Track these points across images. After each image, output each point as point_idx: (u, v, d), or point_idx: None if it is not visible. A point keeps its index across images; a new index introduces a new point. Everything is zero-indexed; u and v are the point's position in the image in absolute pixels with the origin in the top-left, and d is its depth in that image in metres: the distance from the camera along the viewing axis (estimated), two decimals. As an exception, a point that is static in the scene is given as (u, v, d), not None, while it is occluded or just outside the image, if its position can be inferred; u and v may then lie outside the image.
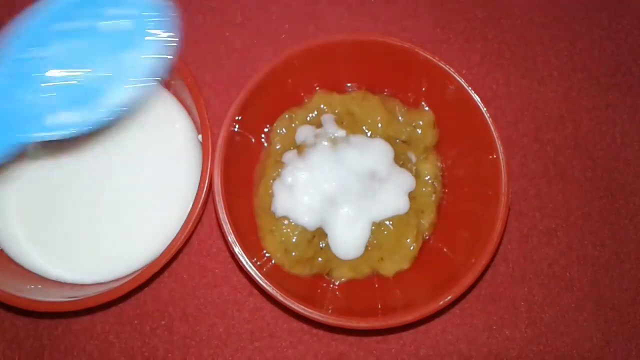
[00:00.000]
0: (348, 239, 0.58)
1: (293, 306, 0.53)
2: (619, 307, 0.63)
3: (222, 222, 0.54)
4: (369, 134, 0.61)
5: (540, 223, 0.65)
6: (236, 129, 0.57)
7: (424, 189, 0.61)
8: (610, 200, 0.66)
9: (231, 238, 0.53)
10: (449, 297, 0.54)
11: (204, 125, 0.57)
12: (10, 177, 0.60)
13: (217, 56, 0.68)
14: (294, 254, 0.58)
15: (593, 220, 0.65)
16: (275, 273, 0.57)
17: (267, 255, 0.58)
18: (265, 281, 0.53)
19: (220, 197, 0.54)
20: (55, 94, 0.49)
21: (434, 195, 0.61)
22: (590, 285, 0.64)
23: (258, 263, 0.55)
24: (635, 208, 0.66)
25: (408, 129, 0.62)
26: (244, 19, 0.69)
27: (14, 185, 0.60)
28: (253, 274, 0.53)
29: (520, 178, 0.66)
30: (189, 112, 0.63)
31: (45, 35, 0.49)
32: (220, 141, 0.56)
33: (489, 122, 0.57)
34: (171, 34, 0.51)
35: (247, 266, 0.53)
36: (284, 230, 0.58)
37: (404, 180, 0.59)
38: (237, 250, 0.53)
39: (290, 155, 0.59)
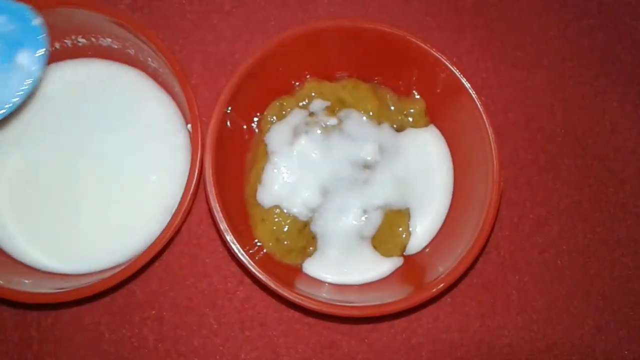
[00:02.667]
0: (340, 228, 0.58)
1: (285, 294, 0.52)
2: (610, 294, 0.64)
3: (214, 211, 0.53)
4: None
5: (530, 211, 0.65)
6: (227, 117, 0.57)
7: (416, 178, 0.61)
8: (600, 188, 0.66)
9: (223, 226, 0.53)
10: (441, 285, 0.54)
11: (193, 114, 0.56)
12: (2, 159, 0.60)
13: (205, 44, 0.67)
14: (285, 243, 0.57)
15: (583, 208, 0.66)
16: (266, 262, 0.57)
17: (258, 244, 0.58)
18: (258, 269, 0.53)
19: (212, 185, 0.54)
20: None
21: (425, 184, 0.61)
22: (580, 273, 0.64)
23: (250, 251, 0.54)
24: (626, 196, 0.66)
25: (399, 118, 0.62)
26: (231, 6, 0.68)
27: (4, 175, 0.60)
28: (245, 261, 0.53)
29: (510, 166, 0.66)
30: (176, 101, 0.63)
31: None
32: (212, 128, 0.55)
33: (481, 111, 0.57)
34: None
35: (239, 254, 0.53)
36: (276, 220, 0.57)
37: (399, 169, 0.59)
38: (229, 238, 0.53)
39: (281, 144, 0.59)
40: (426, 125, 0.62)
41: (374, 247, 0.59)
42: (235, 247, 0.53)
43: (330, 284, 0.59)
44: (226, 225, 0.53)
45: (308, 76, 0.62)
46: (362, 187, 0.59)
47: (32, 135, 0.61)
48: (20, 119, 0.60)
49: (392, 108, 0.62)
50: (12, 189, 0.59)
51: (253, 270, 0.53)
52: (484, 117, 0.56)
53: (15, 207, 0.59)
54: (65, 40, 0.61)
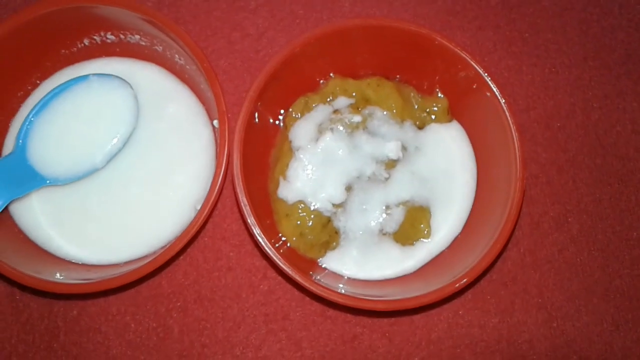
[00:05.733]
0: (362, 224, 0.59)
1: (312, 287, 0.53)
2: (629, 292, 0.64)
3: (242, 205, 0.54)
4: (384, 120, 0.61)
5: (551, 209, 0.66)
6: (255, 113, 0.58)
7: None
8: (620, 186, 0.67)
9: (251, 220, 0.54)
10: (464, 280, 0.54)
11: (221, 109, 0.57)
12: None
13: (231, 42, 0.68)
14: (309, 237, 0.58)
15: (603, 206, 0.66)
16: (290, 256, 0.58)
17: (282, 238, 0.59)
18: (285, 263, 0.53)
19: (240, 179, 0.55)
20: None
21: (447, 181, 0.62)
22: (600, 271, 0.65)
23: (276, 245, 0.55)
24: (645, 195, 0.67)
25: (423, 115, 0.62)
26: (257, 4, 0.69)
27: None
28: (272, 255, 0.54)
29: (531, 165, 0.66)
30: (201, 98, 0.63)
31: None
32: (240, 124, 0.56)
33: (505, 109, 0.57)
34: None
35: (266, 248, 0.54)
36: (300, 214, 0.58)
37: (421, 166, 0.60)
38: (257, 232, 0.54)
39: (306, 140, 0.60)
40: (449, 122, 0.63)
41: (396, 243, 0.60)
42: (263, 241, 0.54)
43: (352, 278, 0.60)
44: (254, 220, 0.54)
45: (332, 75, 0.63)
46: (385, 184, 0.60)
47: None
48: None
49: (416, 106, 0.62)
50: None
51: (280, 263, 0.54)
52: (508, 116, 0.57)
53: (45, 200, 0.61)
54: (94, 37, 0.63)
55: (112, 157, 0.61)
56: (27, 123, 0.59)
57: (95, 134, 0.60)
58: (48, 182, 0.59)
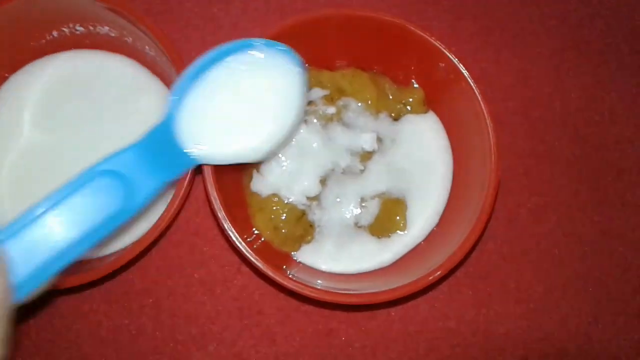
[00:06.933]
0: (337, 217, 0.58)
1: (284, 282, 0.52)
2: (607, 284, 0.64)
3: (212, 199, 0.53)
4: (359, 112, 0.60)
5: (528, 201, 0.65)
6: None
7: (413, 166, 0.61)
8: (598, 178, 0.66)
9: (221, 214, 0.53)
10: (438, 273, 0.53)
11: (193, 102, 0.56)
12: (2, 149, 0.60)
13: (204, 33, 0.67)
14: (283, 231, 0.58)
15: (581, 198, 0.66)
16: (265, 250, 0.57)
17: (256, 232, 0.58)
18: (256, 257, 0.52)
19: (209, 172, 0.54)
20: None
21: (423, 173, 0.61)
22: (578, 262, 0.64)
23: (249, 240, 0.54)
24: (624, 186, 0.66)
25: (398, 107, 0.62)
26: (230, -6, 0.68)
27: (6, 156, 0.60)
28: (243, 249, 0.53)
29: (508, 156, 0.66)
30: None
31: None
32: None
33: (480, 100, 0.56)
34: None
35: (237, 242, 0.53)
36: (274, 208, 0.57)
37: (397, 158, 0.60)
38: (227, 226, 0.53)
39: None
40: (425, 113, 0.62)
41: (372, 235, 0.60)
42: (233, 235, 0.53)
43: (327, 272, 0.60)
44: (224, 214, 0.53)
45: (307, 65, 0.62)
46: (361, 176, 0.59)
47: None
48: (18, 110, 0.60)
49: (391, 97, 0.62)
50: (11, 176, 0.60)
51: (251, 258, 0.53)
52: (483, 106, 0.56)
53: (13, 194, 0.59)
54: (63, 29, 0.61)
55: (271, 150, 0.54)
56: (180, 89, 0.51)
57: (256, 118, 0.53)
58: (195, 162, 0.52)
